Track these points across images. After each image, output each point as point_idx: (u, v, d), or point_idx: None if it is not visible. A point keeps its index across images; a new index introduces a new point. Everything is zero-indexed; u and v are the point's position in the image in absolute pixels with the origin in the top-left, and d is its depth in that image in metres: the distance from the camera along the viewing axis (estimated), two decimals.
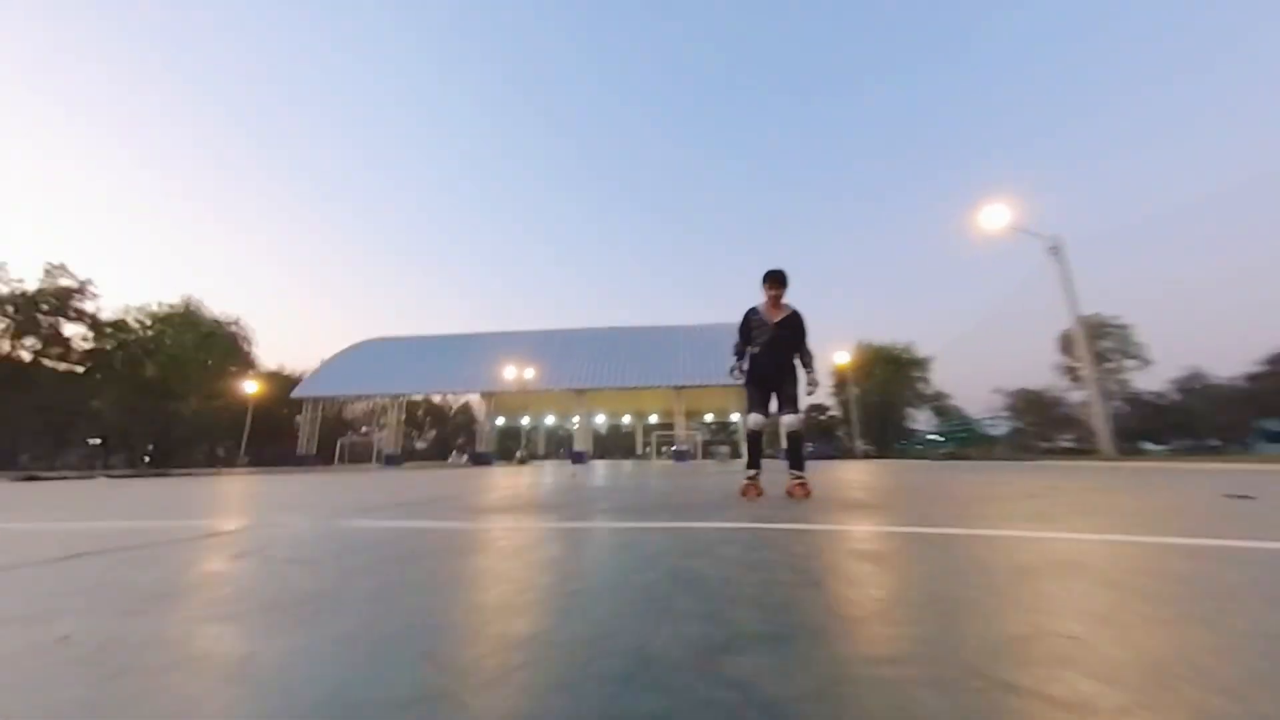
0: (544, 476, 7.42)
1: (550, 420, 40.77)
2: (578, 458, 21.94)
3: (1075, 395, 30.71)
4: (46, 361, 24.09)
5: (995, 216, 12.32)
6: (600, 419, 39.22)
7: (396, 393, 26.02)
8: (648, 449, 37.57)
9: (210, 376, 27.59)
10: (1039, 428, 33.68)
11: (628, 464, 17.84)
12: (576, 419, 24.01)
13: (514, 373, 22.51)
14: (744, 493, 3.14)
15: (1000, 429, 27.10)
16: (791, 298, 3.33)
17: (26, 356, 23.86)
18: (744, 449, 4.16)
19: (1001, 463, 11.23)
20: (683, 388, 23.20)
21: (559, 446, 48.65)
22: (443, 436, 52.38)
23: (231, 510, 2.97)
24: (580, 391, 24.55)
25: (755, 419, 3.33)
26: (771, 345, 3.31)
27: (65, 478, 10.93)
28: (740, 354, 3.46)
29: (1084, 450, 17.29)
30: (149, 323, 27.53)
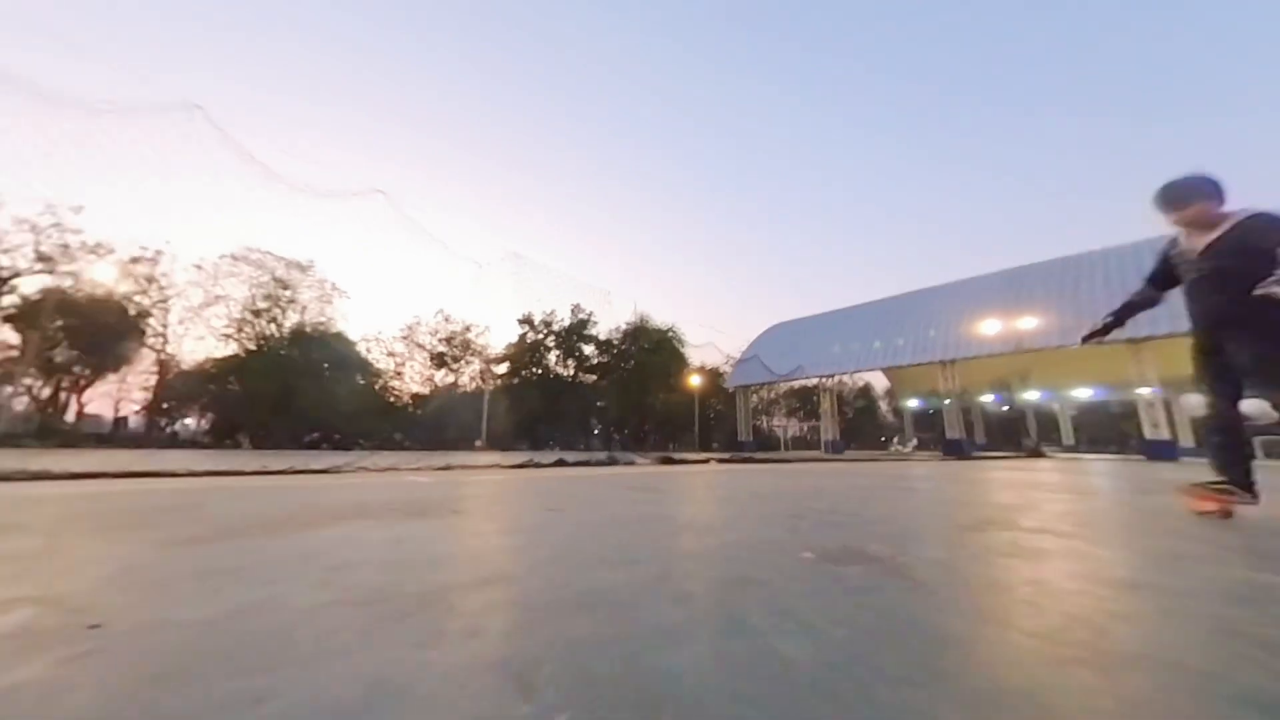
0: None
1: (972, 397, 30.61)
2: (1165, 450, 13.11)
3: None
4: (579, 375, 34.81)
5: None
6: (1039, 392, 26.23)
7: (829, 373, 24.02)
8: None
9: (664, 375, 33.57)
10: None
11: None
12: (1148, 392, 15.08)
13: (996, 327, 16.25)
14: (1203, 507, 2.20)
15: None
16: None
17: (569, 373, 35.20)
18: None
19: None
20: None
21: (1008, 429, 36.61)
22: (845, 420, 48.91)
23: None
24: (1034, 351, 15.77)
25: (1197, 401, 2.38)
26: (1203, 288, 2.27)
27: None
28: (1136, 303, 2.57)
29: None
30: (620, 338, 36.20)
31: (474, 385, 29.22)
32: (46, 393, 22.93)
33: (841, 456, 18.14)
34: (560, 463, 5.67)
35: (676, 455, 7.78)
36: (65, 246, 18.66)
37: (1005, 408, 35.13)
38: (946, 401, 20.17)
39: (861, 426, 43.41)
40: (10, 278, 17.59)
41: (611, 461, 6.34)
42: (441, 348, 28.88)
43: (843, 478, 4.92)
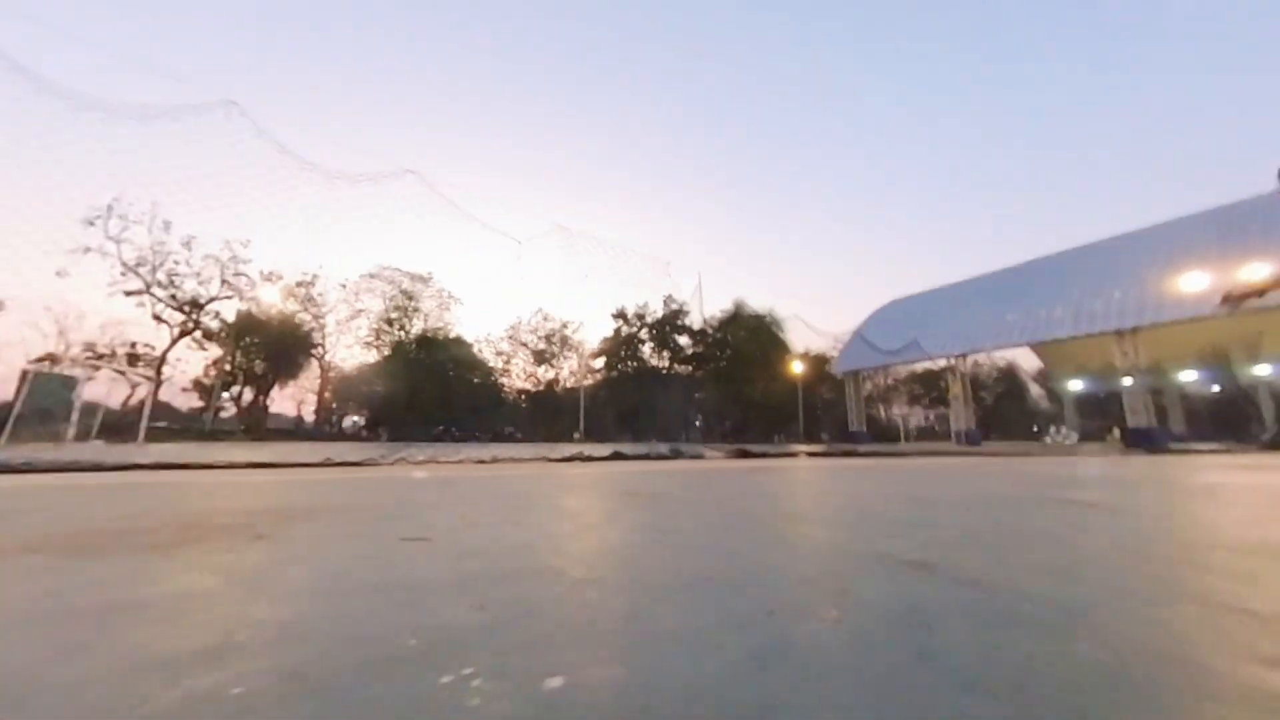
0: None
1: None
2: None
3: None
4: (674, 367, 34.36)
5: None
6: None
7: (959, 352, 20.70)
8: None
9: (763, 363, 31.74)
10: None
11: None
12: None
13: (1201, 282, 12.18)
14: None
15: None
16: None
17: (664, 364, 34.86)
18: None
19: None
20: None
21: (1223, 414, 28.50)
22: (982, 406, 42.11)
23: None
24: None
25: None
26: None
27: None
28: None
29: None
30: (715, 326, 34.90)
31: (573, 380, 30.16)
32: (248, 397, 28.19)
33: (977, 449, 15.37)
34: (616, 455, 5.11)
35: (755, 449, 6.82)
36: (245, 276, 22.57)
37: (1217, 387, 27.56)
38: (1127, 380, 16.03)
39: (1005, 414, 37.14)
40: (207, 303, 21.72)
41: (675, 455, 5.64)
42: (541, 345, 30.27)
43: (973, 483, 3.67)
